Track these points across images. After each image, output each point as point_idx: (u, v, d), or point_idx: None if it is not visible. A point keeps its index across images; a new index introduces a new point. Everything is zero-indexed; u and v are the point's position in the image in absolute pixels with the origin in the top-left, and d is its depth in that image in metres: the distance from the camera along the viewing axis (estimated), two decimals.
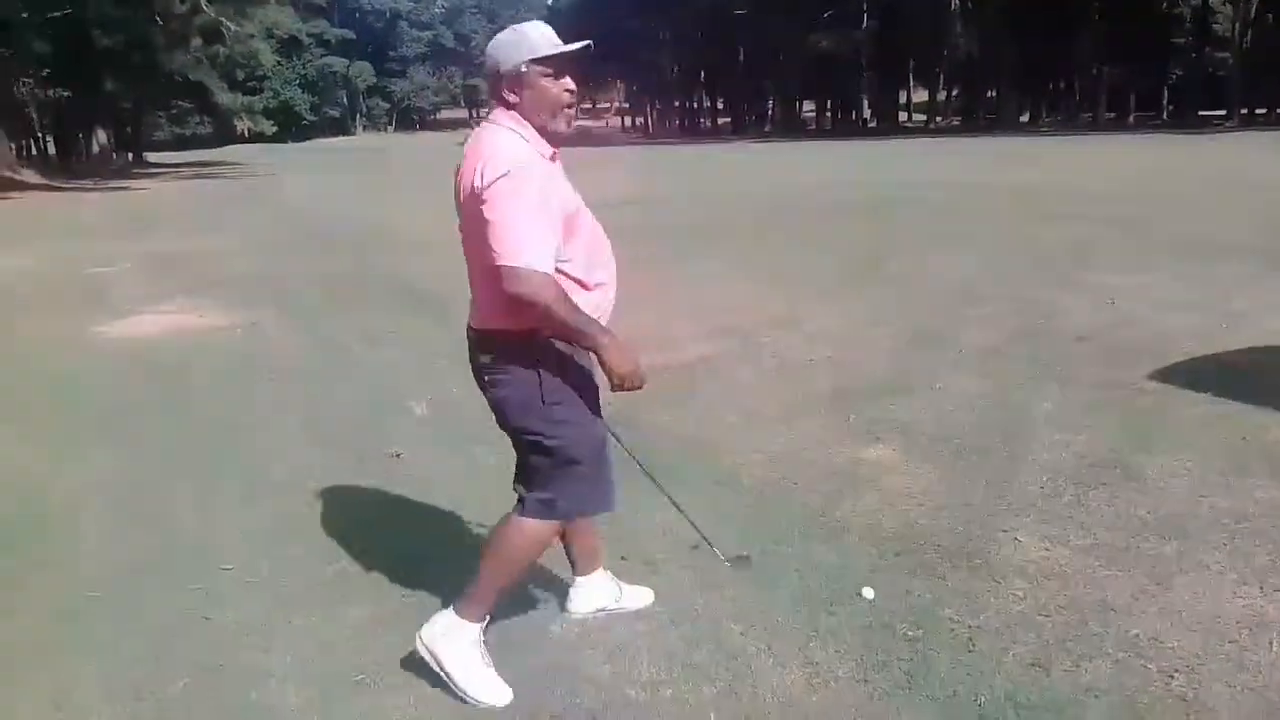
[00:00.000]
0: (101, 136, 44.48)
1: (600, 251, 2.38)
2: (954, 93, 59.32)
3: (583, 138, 66.26)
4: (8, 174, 31.51)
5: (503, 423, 2.43)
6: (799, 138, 48.27)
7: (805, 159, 27.83)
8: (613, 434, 2.59)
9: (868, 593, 2.84)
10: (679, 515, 3.45)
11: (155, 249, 12.44)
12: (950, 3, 48.64)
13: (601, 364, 2.26)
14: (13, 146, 35.62)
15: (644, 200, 16.45)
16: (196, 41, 38.36)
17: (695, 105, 71.62)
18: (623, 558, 3.16)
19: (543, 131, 2.28)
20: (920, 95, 61.79)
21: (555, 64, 2.25)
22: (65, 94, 36.56)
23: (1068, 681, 2.36)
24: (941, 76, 57.65)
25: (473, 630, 2.42)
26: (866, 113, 58.12)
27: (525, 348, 2.29)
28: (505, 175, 2.14)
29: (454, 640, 2.40)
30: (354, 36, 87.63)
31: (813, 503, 3.55)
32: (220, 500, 3.77)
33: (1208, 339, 5.52)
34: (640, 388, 2.30)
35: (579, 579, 2.81)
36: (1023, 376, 5.02)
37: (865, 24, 52.84)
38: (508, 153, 2.20)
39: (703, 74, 66.73)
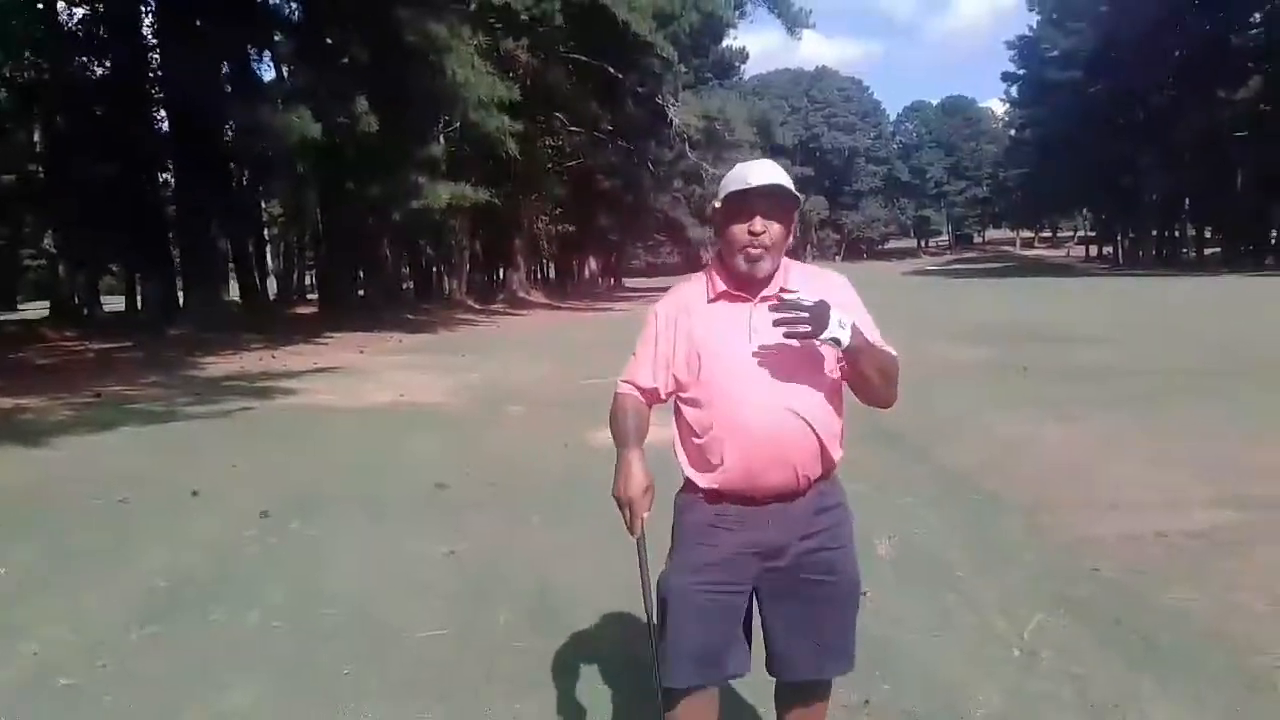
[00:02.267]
0: (592, 264, 51.26)
1: (723, 414, 2.17)
2: None
3: (1039, 266, 62.95)
4: (521, 294, 37.45)
5: None
6: None
7: None
8: (639, 550, 2.24)
9: None
10: (1195, 715, 2.98)
11: None
12: None
13: None
14: (526, 271, 42.34)
15: (1119, 337, 15.07)
16: (678, 182, 43.04)
17: (1177, 234, 64.72)
18: None
19: (730, 272, 2.21)
20: None
21: (735, 202, 2.14)
22: (570, 229, 42.86)
23: None
24: None
25: None
26: None
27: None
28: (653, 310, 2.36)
29: None
30: (812, 173, 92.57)
31: None
32: None
33: None
34: (627, 520, 2.21)
35: None
36: None
37: None
38: (670, 290, 2.39)
39: (1187, 200, 60.29)
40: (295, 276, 44.89)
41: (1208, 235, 62.82)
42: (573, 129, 32.43)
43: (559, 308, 34.56)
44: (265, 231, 40.39)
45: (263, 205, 37.87)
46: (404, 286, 35.93)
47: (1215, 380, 10.09)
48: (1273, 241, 55.73)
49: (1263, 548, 4.57)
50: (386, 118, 18.74)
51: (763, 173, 2.14)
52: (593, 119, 32.25)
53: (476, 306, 32.31)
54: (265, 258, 39.76)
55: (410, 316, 25.81)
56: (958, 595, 4.13)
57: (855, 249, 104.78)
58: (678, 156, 36.19)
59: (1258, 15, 54.39)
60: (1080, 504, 5.46)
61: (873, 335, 2.24)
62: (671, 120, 31.24)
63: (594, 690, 3.28)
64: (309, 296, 38.60)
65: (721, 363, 2.18)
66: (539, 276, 52.26)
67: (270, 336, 19.75)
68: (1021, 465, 6.56)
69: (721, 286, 2.22)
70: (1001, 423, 8.19)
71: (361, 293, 28.09)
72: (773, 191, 2.14)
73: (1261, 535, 4.76)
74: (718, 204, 2.20)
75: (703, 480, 2.23)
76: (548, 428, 8.71)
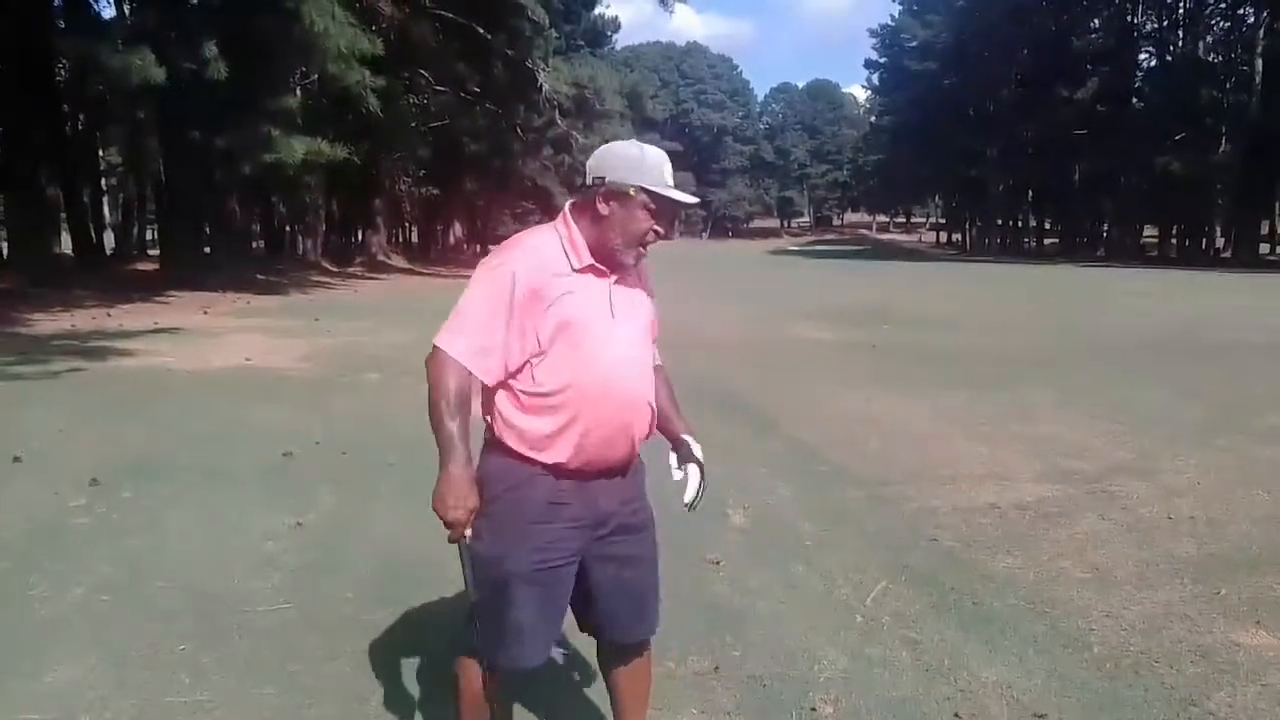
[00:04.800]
0: (457, 229, 50.23)
1: (585, 388, 2.12)
2: None
3: (891, 250, 65.68)
4: (381, 258, 36.37)
5: None
6: (1136, 263, 44.71)
7: (1147, 287, 25.62)
8: (461, 552, 2.17)
9: None
10: (1019, 675, 3.18)
11: None
12: None
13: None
14: (386, 234, 41.07)
15: (959, 321, 15.88)
16: (547, 150, 42.60)
17: (1020, 224, 68.68)
18: (956, 715, 2.94)
19: (603, 250, 2.16)
20: None
21: (661, 203, 2.16)
22: (435, 192, 41.83)
23: None
24: None
25: None
26: (1219, 242, 52.77)
27: (488, 441, 2.23)
28: (491, 262, 2.16)
29: None
30: (681, 149, 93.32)
31: (1178, 687, 3.12)
32: None
33: None
34: (449, 529, 2.09)
35: None
36: None
37: (1223, 146, 48.43)
38: (518, 246, 2.19)
39: (1030, 192, 64.02)
40: (135, 231, 42.15)
41: (1047, 226, 66.90)
42: (439, 88, 31.51)
43: (421, 273, 33.71)
44: (102, 181, 37.78)
45: (99, 152, 35.40)
46: (254, 245, 34.29)
47: (1046, 364, 10.77)
48: (1104, 234, 59.84)
49: (1082, 519, 4.92)
50: (238, 65, 17.71)
51: (668, 168, 2.18)
52: (460, 79, 31.41)
53: (332, 269, 31.17)
54: (102, 209, 37.19)
55: (260, 277, 24.66)
56: (806, 564, 4.27)
57: (721, 227, 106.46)
58: (547, 123, 35.72)
59: (1096, 21, 58.02)
60: (921, 477, 5.73)
61: (654, 331, 2.38)
62: (542, 86, 30.76)
63: (445, 665, 3.22)
64: (150, 252, 36.33)
65: (593, 338, 2.14)
66: (400, 240, 50.82)
67: (106, 293, 18.53)
68: (869, 440, 6.82)
69: (588, 260, 2.17)
70: (852, 400, 8.50)
71: (207, 250, 26.63)
72: (688, 206, 2.24)
73: (1081, 507, 5.12)
74: (634, 191, 2.14)
75: (547, 455, 2.16)
76: (406, 396, 8.47)
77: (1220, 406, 8.07)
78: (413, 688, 3.07)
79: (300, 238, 35.95)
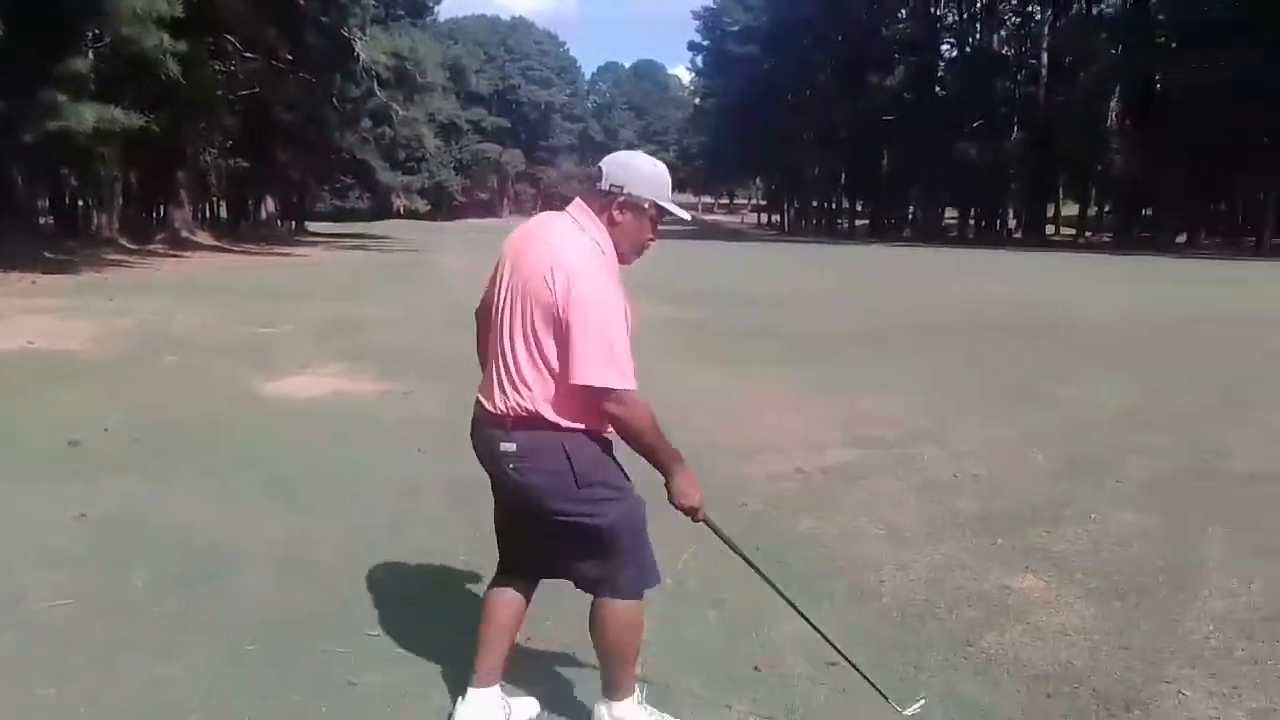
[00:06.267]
0: (270, 204, 47.85)
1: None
2: (1106, 209, 57.56)
3: (715, 231, 67.41)
4: (185, 234, 34.16)
5: (531, 509, 2.41)
6: (939, 244, 47.74)
7: (945, 266, 27.43)
8: (710, 525, 2.60)
9: None
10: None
11: (314, 313, 13.18)
12: (1107, 117, 47.61)
13: (668, 487, 2.40)
14: (192, 209, 38.55)
15: (779, 299, 16.52)
16: (366, 123, 41.17)
17: (833, 206, 71.87)
18: (755, 668, 3.09)
19: (620, 256, 2.38)
20: (1071, 209, 60.26)
21: (660, 215, 2.41)
22: (244, 164, 39.61)
23: None
24: (1093, 191, 56.09)
25: (632, 700, 2.61)
26: (1011, 223, 57.11)
27: (554, 434, 2.31)
28: (603, 290, 2.24)
29: (628, 713, 2.57)
30: (509, 125, 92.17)
31: (957, 630, 3.40)
32: (370, 563, 3.87)
33: None
34: (693, 512, 2.45)
35: (474, 691, 2.63)
36: (1187, 514, 4.71)
37: (1015, 135, 52.31)
38: (601, 266, 2.29)
39: (843, 176, 67.09)
40: None
41: (859, 208, 70.34)
42: (247, 55, 29.82)
43: (230, 250, 31.90)
44: None
45: None
46: (41, 221, 31.47)
47: (859, 340, 11.37)
48: (910, 217, 63.53)
49: (878, 480, 5.27)
50: (18, 24, 16.18)
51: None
52: (270, 46, 29.85)
53: (131, 246, 29.02)
54: None
55: (49, 255, 22.69)
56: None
57: (551, 205, 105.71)
58: (366, 94, 34.55)
59: (904, 11, 61.24)
60: (738, 449, 5.94)
61: None
62: (359, 55, 29.68)
63: (244, 650, 3.11)
64: None
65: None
66: (208, 216, 47.86)
67: None
68: (690, 414, 6.97)
69: (618, 269, 2.36)
70: (677, 376, 8.67)
71: None
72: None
73: (877, 470, 5.48)
74: (648, 205, 2.34)
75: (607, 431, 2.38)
76: (208, 378, 8.08)
77: (1006, 378, 8.78)
78: (205, 671, 2.94)
79: (95, 213, 33.24)
